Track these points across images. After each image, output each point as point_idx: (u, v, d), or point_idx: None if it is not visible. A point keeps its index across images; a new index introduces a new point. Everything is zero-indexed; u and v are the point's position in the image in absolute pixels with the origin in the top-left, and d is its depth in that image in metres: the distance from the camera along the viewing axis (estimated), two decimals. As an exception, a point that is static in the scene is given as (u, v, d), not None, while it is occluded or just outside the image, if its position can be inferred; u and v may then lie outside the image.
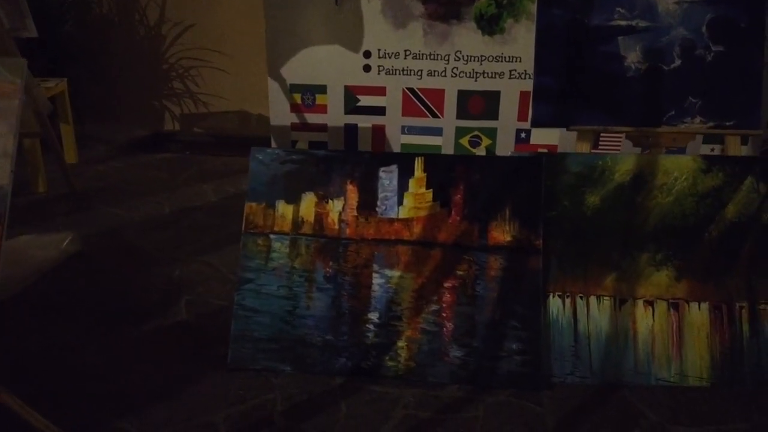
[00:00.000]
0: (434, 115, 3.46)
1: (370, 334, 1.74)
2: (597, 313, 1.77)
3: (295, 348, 1.73)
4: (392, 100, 3.42)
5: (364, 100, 3.43)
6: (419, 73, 3.36)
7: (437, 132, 3.50)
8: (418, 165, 1.85)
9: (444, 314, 1.75)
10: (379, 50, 3.31)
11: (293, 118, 3.51)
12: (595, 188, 1.83)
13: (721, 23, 1.78)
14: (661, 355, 1.74)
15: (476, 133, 3.49)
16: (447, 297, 1.77)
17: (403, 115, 3.44)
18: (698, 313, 1.76)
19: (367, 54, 3.32)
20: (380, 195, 1.84)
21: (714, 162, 1.82)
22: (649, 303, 1.78)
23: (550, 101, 1.86)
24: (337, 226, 1.83)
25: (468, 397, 1.67)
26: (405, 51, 3.32)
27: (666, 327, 1.76)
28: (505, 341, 1.72)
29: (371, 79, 3.37)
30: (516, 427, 1.56)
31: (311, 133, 3.52)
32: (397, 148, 3.51)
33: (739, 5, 1.79)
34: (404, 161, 1.85)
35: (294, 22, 3.28)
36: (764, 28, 1.78)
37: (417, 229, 1.81)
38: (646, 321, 1.76)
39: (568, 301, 1.78)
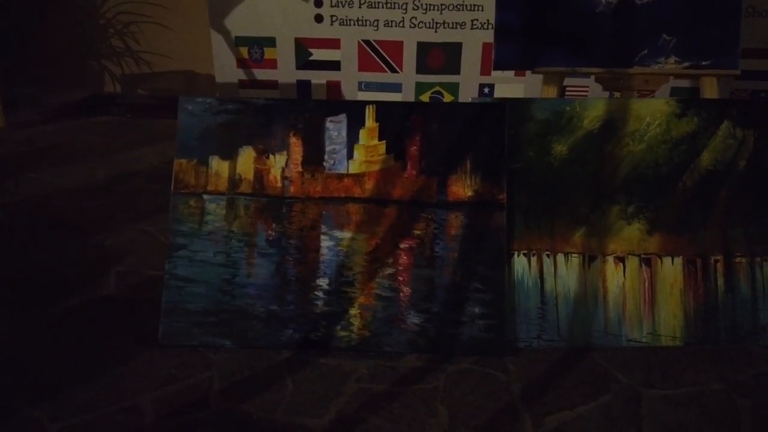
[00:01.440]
0: (393, 70, 3.24)
1: (320, 303, 1.57)
2: (565, 272, 1.64)
3: (235, 321, 1.55)
4: (347, 54, 3.18)
5: (317, 54, 3.19)
6: (375, 24, 3.13)
7: (396, 88, 3.29)
8: (370, 114, 1.65)
9: (400, 278, 1.59)
10: (330, -3, 3.05)
11: (241, 75, 3.24)
12: (562, 136, 1.68)
13: (699, -48, 1.63)
14: (632, 315, 1.63)
15: (437, 88, 3.29)
16: (403, 259, 1.60)
17: (359, 69, 3.22)
18: (671, 269, 1.65)
19: (319, 2, 3.06)
20: (328, 148, 1.64)
21: (689, 105, 1.69)
22: (620, 259, 1.65)
23: (514, 41, 1.68)
24: (279, 184, 1.63)
25: (428, 367, 1.52)
26: (360, -1, 3.07)
27: (638, 284, 1.64)
28: (467, 305, 1.58)
29: (324, 31, 3.12)
30: (479, 398, 1.43)
31: (261, 91, 3.27)
32: (354, 106, 3.29)
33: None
34: (354, 110, 1.65)
35: (237, -34, 2.99)
36: (744, -42, 1.63)
37: (369, 185, 1.63)
38: (616, 279, 1.64)
39: (534, 259, 1.64)
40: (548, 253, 1.64)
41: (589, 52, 1.68)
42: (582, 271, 1.64)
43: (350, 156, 1.64)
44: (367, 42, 3.15)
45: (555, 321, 1.62)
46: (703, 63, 1.70)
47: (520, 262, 1.64)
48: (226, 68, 3.23)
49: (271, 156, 1.64)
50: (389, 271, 1.60)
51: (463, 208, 1.62)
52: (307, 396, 1.41)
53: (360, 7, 3.07)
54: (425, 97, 3.28)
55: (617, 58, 1.69)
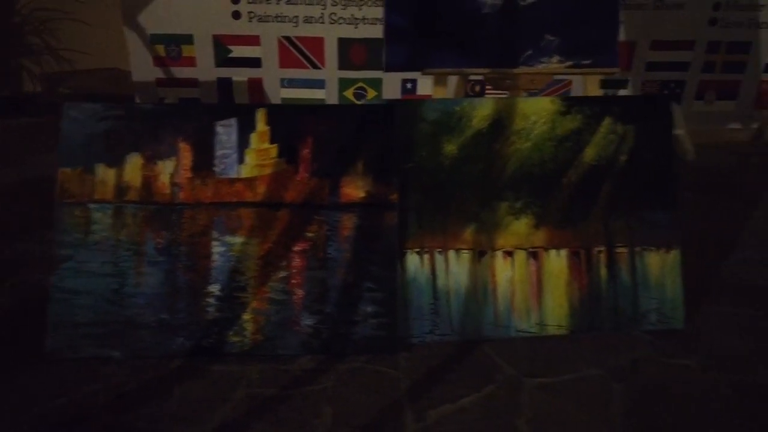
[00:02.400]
0: (315, 66, 3.23)
1: (211, 309, 1.57)
2: (456, 268, 1.69)
3: (123, 331, 1.54)
4: (268, 51, 3.15)
5: (237, 51, 3.15)
6: (295, 20, 3.10)
7: (319, 84, 3.28)
8: (260, 118, 1.65)
9: (294, 281, 1.61)
10: (248, -7, 3.01)
11: (158, 73, 3.17)
12: (452, 136, 1.72)
13: (577, -45, 1.69)
14: (520, 307, 1.69)
15: (361, 84, 3.30)
16: (296, 262, 1.62)
17: (280, 66, 3.20)
18: (557, 261, 1.72)
19: (236, -1, 3.02)
20: (218, 153, 1.63)
21: (573, 103, 1.75)
22: (509, 253, 1.71)
23: (404, 43, 1.71)
24: (168, 191, 1.62)
25: (320, 368, 1.55)
26: (278, -6, 3.04)
27: (525, 277, 1.71)
28: (360, 304, 1.60)
29: (242, 28, 3.09)
30: (367, 395, 1.46)
31: (180, 89, 3.21)
32: (277, 101, 3.27)
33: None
34: (244, 114, 1.64)
35: (147, -38, 2.92)
36: (619, -40, 1.70)
37: (261, 189, 1.63)
38: (505, 272, 1.70)
39: (426, 257, 1.68)
40: (440, 250, 1.69)
41: (476, 53, 1.72)
42: (472, 266, 1.69)
43: (241, 160, 1.63)
44: (288, 38, 3.12)
45: (447, 316, 1.67)
46: (585, 62, 1.77)
47: (412, 260, 1.68)
48: (143, 66, 3.15)
49: (159, 162, 1.62)
50: (282, 274, 1.61)
51: (356, 210, 1.64)
52: (194, 404, 1.42)
53: (278, 4, 3.04)
54: (349, 93, 3.29)
55: (503, 58, 1.73)
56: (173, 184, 1.62)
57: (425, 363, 1.58)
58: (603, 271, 1.72)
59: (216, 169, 1.63)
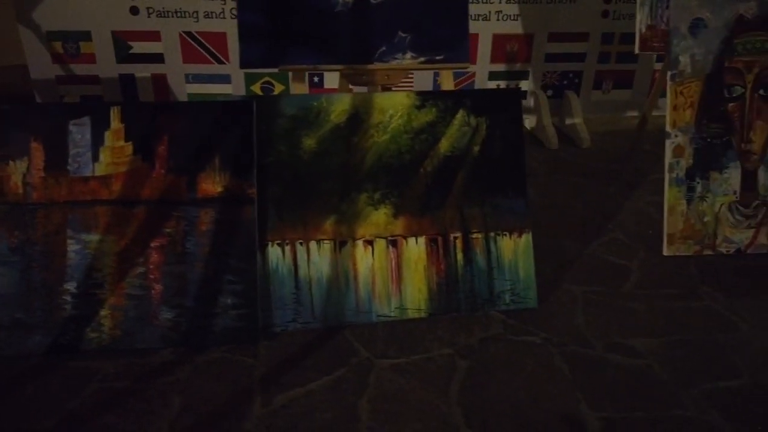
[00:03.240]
0: (219, 61, 3.23)
1: (68, 306, 1.59)
2: (317, 258, 1.75)
3: (-25, 332, 1.54)
4: (169, 46, 3.14)
5: (138, 47, 3.12)
6: (195, 15, 3.10)
7: (225, 79, 3.28)
8: (115, 115, 1.67)
9: (152, 276, 1.64)
10: (145, -11, 2.99)
11: (58, 70, 3.11)
12: (311, 130, 1.77)
13: (425, -46, 1.76)
14: (381, 293, 1.77)
15: (267, 78, 3.33)
16: (155, 257, 1.65)
17: (184, 62, 3.18)
18: (416, 248, 1.80)
19: (133, -6, 2.98)
20: (71, 151, 1.64)
21: (428, 97, 1.83)
22: (369, 242, 1.78)
23: (258, 41, 1.75)
24: (21, 191, 1.62)
25: (178, 360, 1.59)
26: (175, -10, 3.02)
27: (385, 264, 1.78)
28: (220, 297, 1.65)
29: (142, 23, 3.06)
30: (220, 385, 1.52)
31: (82, 86, 3.16)
32: (183, 98, 3.26)
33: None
34: (98, 112, 1.66)
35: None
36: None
37: (117, 186, 1.65)
38: (366, 260, 1.78)
39: (287, 248, 1.74)
40: (301, 241, 1.75)
41: (331, 49, 1.78)
42: (334, 255, 1.76)
43: (96, 158, 1.65)
44: (189, 34, 3.12)
45: (309, 304, 1.73)
46: (437, 58, 1.85)
47: (274, 252, 1.73)
48: (40, 64, 3.09)
49: (10, 162, 1.62)
50: (140, 270, 1.64)
51: (214, 204, 1.68)
52: (43, 401, 1.44)
53: (177, -1, 3.03)
54: (256, 88, 3.31)
55: (358, 55, 1.80)
56: (26, 184, 1.62)
57: (285, 351, 1.65)
58: (459, 256, 1.82)
59: (70, 168, 1.64)
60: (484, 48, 3.35)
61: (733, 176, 2.13)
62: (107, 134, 1.66)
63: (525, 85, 3.50)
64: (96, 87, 3.17)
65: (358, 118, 1.80)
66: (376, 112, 1.80)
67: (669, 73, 2.11)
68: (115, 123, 1.66)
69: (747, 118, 2.12)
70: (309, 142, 1.77)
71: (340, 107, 1.78)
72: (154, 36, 3.10)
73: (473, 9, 3.24)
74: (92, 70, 3.13)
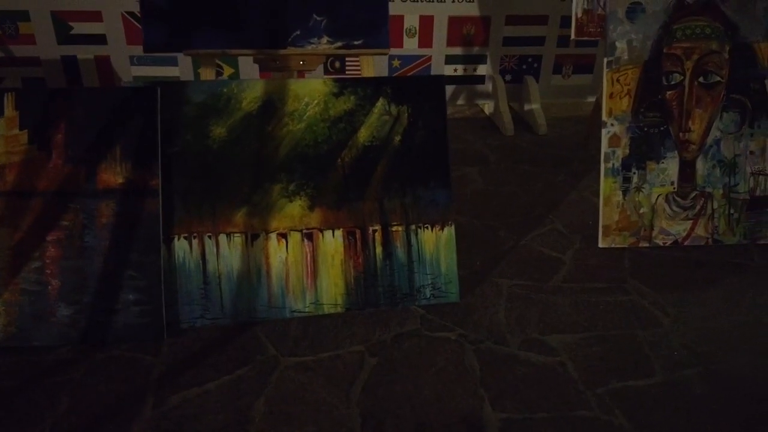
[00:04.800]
0: (163, 43, 3.13)
1: (-42, 303, 1.53)
2: (227, 252, 1.69)
3: None
4: (112, 27, 3.03)
5: (79, 28, 3.01)
6: (136, -5, 2.99)
7: (172, 61, 3.18)
8: (8, 102, 1.58)
9: (48, 271, 1.57)
10: (82, -34, 2.86)
11: (-5, 52, 3.00)
12: (221, 119, 1.70)
13: (341, -68, 1.66)
14: (296, 288, 1.72)
15: (216, 62, 3.22)
16: (51, 252, 1.58)
17: (128, 43, 3.07)
18: (332, 241, 1.74)
19: (69, -28, 2.86)
20: (-38, 141, 1.57)
21: (346, 85, 1.75)
22: (283, 235, 1.72)
23: (162, 23, 1.66)
24: None
25: (74, 359, 1.53)
26: (114, -32, 2.90)
27: (300, 258, 1.72)
28: (121, 293, 1.59)
29: (81, 3, 2.94)
30: (114, 383, 1.46)
31: (22, 68, 3.05)
32: (129, 80, 3.16)
33: None
34: (-10, 99, 1.58)
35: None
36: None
37: (10, 177, 1.57)
38: (279, 254, 1.71)
39: (195, 242, 1.67)
40: (210, 234, 1.68)
41: (241, 33, 1.70)
42: (245, 249, 1.70)
43: (-12, 148, 1.57)
44: (132, 14, 3.00)
45: (218, 299, 1.67)
46: (355, 43, 1.77)
47: (181, 245, 1.67)
48: (-25, 45, 2.98)
49: None
50: (36, 264, 1.57)
51: (114, 196, 1.61)
52: None
53: (116, -23, 2.91)
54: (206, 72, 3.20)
55: (271, 39, 1.71)
56: None
57: (188, 348, 1.59)
58: (379, 250, 1.76)
59: (-40, 158, 1.56)
60: (439, 31, 3.25)
61: (670, 167, 2.07)
62: (1, 121, 1.58)
63: (483, 69, 3.42)
64: (37, 69, 3.06)
65: (272, 106, 1.72)
66: (291, 100, 1.73)
67: (605, 60, 2.03)
68: (9, 110, 1.58)
69: (686, 107, 2.06)
70: (218, 131, 1.69)
71: (251, 94, 1.71)
72: (95, 16, 2.98)
73: (428, -10, 3.14)
74: (32, 51, 3.01)
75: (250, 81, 1.70)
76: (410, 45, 3.27)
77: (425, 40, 3.28)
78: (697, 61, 2.04)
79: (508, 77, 3.43)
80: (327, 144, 1.75)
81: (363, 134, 1.76)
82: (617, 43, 2.03)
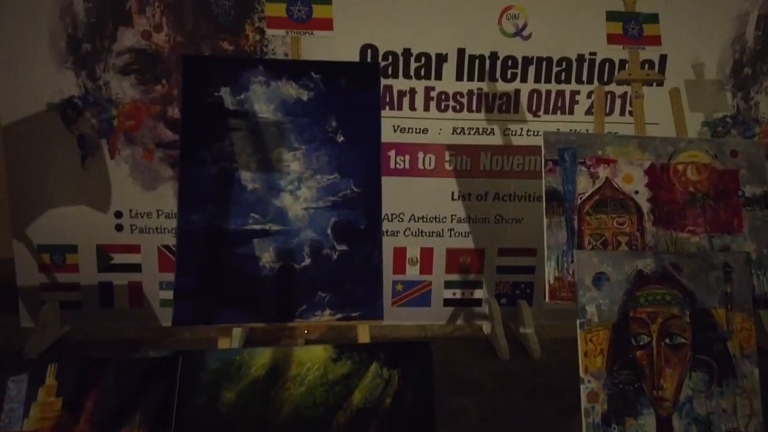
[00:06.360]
0: (190, 271, 3.53)
1: None
2: None
3: None
4: (148, 257, 3.45)
5: (119, 258, 3.43)
6: (173, 231, 3.45)
7: (196, 286, 3.55)
8: (50, 372, 1.84)
9: None
10: (130, 210, 3.38)
11: (43, 278, 3.40)
12: (231, 383, 1.92)
13: (344, 226, 2.04)
14: None
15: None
16: None
17: (160, 271, 3.47)
18: (324, 505, 1.83)
19: (119, 214, 3.36)
20: (6, 407, 1.79)
21: (344, 350, 2.00)
22: (277, 499, 1.83)
23: (191, 301, 1.98)
24: (-51, 446, 1.74)
25: None
26: (157, 210, 3.41)
27: None
28: None
29: (124, 238, 3.40)
30: None
31: (63, 293, 3.42)
32: (156, 303, 3.49)
33: (358, 210, 2.07)
34: (36, 369, 1.83)
35: (38, 183, 3.28)
36: (380, 229, 2.06)
37: (39, 441, 1.76)
38: None
39: (195, 505, 1.78)
40: (210, 497, 1.80)
41: (256, 309, 2.00)
42: None
43: (26, 414, 1.79)
44: (167, 247, 3.44)
45: None
46: (353, 314, 2.05)
47: None
48: (28, 272, 3.38)
49: (-54, 417, 1.76)
50: None
51: (128, 460, 1.77)
52: None
53: (158, 218, 3.40)
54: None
55: (281, 313, 2.01)
56: (-45, 439, 1.74)
57: None
58: None
59: (1, 423, 1.77)
60: (438, 260, 3.62)
61: (648, 422, 2.19)
62: (41, 390, 1.81)
63: (479, 293, 3.72)
64: (76, 293, 3.43)
65: (278, 371, 1.95)
66: (295, 365, 1.96)
67: (578, 321, 2.28)
68: (50, 379, 1.83)
69: (656, 366, 2.25)
70: (229, 395, 1.91)
71: (260, 361, 1.95)
72: (134, 249, 3.42)
73: (427, 227, 3.58)
74: (74, 278, 3.41)
75: (260, 349, 1.96)
76: (412, 272, 3.63)
77: (426, 267, 3.64)
78: (661, 324, 2.28)
79: (503, 300, 3.71)
80: (324, 406, 1.93)
81: (357, 397, 1.96)
82: (587, 307, 2.29)
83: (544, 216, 2.37)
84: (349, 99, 2.10)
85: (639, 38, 2.54)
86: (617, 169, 2.42)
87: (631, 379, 2.24)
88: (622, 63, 3.42)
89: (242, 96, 2.03)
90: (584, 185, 2.40)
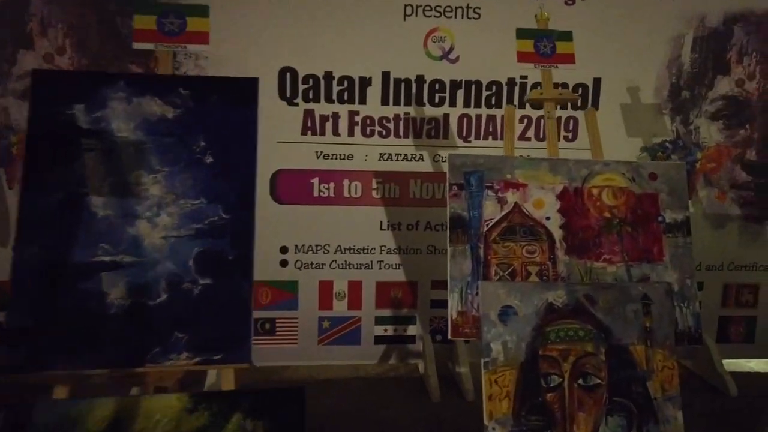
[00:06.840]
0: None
1: None
2: None
3: None
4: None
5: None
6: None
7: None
8: None
9: None
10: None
11: None
12: (64, 440, 1.66)
13: (209, 256, 1.83)
14: None
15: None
16: None
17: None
18: None
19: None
20: None
21: (200, 400, 1.75)
22: None
23: (22, 343, 1.73)
24: None
25: None
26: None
27: None
28: None
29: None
30: None
31: None
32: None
33: (225, 238, 1.86)
34: None
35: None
36: (252, 260, 1.85)
37: None
38: None
39: None
40: None
41: (100, 353, 1.76)
42: None
43: None
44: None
45: None
46: (215, 357, 1.82)
47: None
48: None
49: None
50: None
51: None
52: None
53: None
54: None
55: (129, 357, 1.77)
56: None
57: None
58: None
59: None
60: (368, 295, 3.39)
61: (560, 477, 1.95)
62: None
63: (413, 329, 3.48)
64: None
65: (121, 424, 1.69)
66: (141, 418, 1.71)
67: (482, 361, 2.05)
68: None
69: (568, 410, 2.01)
70: (59, 454, 1.65)
71: (100, 413, 1.69)
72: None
73: (355, 259, 3.36)
74: None
75: (100, 400, 1.70)
76: (340, 308, 3.39)
77: (354, 302, 3.41)
78: (574, 363, 2.06)
79: (438, 337, 3.47)
80: (173, 466, 1.68)
81: (213, 454, 1.70)
82: (492, 345, 2.07)
83: (448, 244, 2.17)
84: (222, 117, 1.91)
85: (551, 56, 2.40)
86: (527, 193, 2.24)
87: (541, 425, 2.00)
88: (555, 86, 3.30)
89: (99, 114, 1.84)
90: (491, 211, 2.21)
